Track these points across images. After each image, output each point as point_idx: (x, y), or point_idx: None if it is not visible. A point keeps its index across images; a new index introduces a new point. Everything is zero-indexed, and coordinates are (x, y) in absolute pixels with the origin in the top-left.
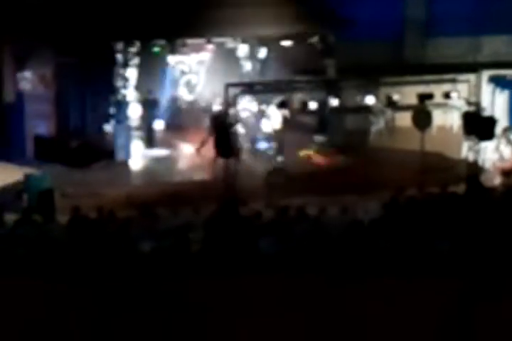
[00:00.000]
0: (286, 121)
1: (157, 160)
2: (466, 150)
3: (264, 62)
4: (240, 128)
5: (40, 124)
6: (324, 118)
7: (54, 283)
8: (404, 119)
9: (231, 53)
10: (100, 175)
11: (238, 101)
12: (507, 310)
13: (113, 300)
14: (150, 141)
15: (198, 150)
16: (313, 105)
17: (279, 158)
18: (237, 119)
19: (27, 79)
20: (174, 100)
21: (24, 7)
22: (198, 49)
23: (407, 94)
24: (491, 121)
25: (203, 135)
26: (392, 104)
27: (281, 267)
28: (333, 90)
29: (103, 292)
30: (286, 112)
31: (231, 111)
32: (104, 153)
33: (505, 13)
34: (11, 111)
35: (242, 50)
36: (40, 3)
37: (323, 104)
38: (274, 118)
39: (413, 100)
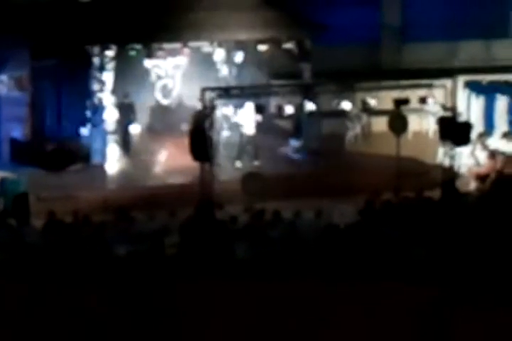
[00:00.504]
0: (261, 125)
1: (133, 164)
2: (441, 155)
3: (240, 67)
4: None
5: (15, 127)
6: (300, 123)
7: (28, 287)
8: (380, 124)
9: (207, 57)
10: (76, 178)
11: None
12: (483, 316)
13: (87, 303)
14: (126, 144)
15: None
16: (289, 109)
17: (255, 162)
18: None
19: (3, 83)
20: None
21: (1, 9)
22: (174, 53)
23: (383, 99)
24: (467, 127)
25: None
26: (367, 109)
27: (256, 271)
28: (309, 95)
29: (78, 296)
30: (259, 117)
31: (211, 114)
32: (80, 157)
33: (481, 18)
34: None
35: (219, 54)
36: (17, 6)
37: (299, 109)
38: (247, 123)
39: (389, 105)
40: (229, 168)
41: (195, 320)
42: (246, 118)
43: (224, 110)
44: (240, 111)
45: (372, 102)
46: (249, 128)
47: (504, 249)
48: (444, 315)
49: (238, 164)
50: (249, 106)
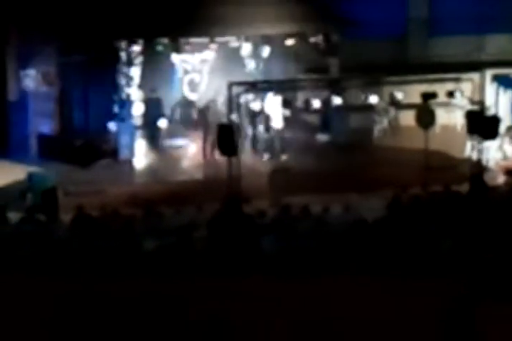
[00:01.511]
0: (288, 119)
1: (161, 159)
2: (469, 149)
3: (267, 61)
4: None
5: (43, 123)
6: (328, 117)
7: (58, 281)
8: (408, 118)
9: (235, 52)
10: (104, 173)
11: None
12: (509, 310)
13: (117, 298)
14: (153, 139)
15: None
16: (316, 104)
17: (283, 157)
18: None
19: (31, 78)
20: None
21: (28, 5)
22: (202, 48)
23: (411, 93)
24: (495, 120)
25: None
26: (395, 103)
27: (284, 266)
28: (337, 89)
29: (107, 290)
30: (287, 111)
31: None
32: (108, 152)
33: (508, 12)
34: (15, 109)
35: (246, 48)
36: (44, 1)
37: (326, 103)
38: (275, 117)
39: (417, 99)
40: (257, 162)
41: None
42: (273, 112)
43: (252, 104)
44: (267, 105)
45: (400, 96)
46: (276, 123)
47: None
48: (470, 307)
49: (266, 157)
50: (277, 100)
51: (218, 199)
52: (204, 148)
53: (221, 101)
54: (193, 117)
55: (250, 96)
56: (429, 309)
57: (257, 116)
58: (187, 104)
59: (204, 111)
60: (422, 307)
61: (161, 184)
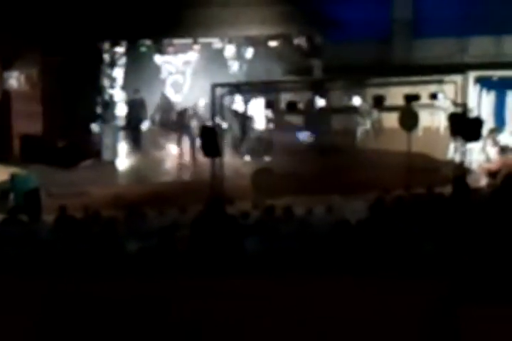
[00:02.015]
0: (271, 121)
1: (144, 160)
2: (452, 151)
3: (251, 63)
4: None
5: (26, 124)
6: (311, 119)
7: (40, 283)
8: (391, 120)
9: (218, 53)
10: (87, 174)
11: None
12: (492, 311)
13: (98, 300)
14: (136, 141)
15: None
16: (300, 105)
17: (266, 158)
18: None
19: (14, 79)
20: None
21: (10, 6)
22: (185, 49)
23: (394, 95)
24: (478, 122)
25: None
26: (378, 105)
27: (267, 267)
28: (320, 90)
29: (89, 292)
30: (269, 113)
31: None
32: (91, 153)
33: (492, 14)
34: None
35: (229, 50)
36: (26, 3)
37: (309, 105)
38: (258, 119)
39: (400, 101)
40: (239, 163)
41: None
42: (256, 113)
43: (234, 106)
44: (250, 106)
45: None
46: (259, 124)
47: None
48: (452, 310)
49: (247, 158)
50: (259, 101)
51: (201, 200)
52: (180, 150)
53: (202, 104)
54: (173, 119)
55: (237, 98)
56: (411, 309)
57: (239, 118)
58: (167, 106)
59: (182, 113)
60: (404, 308)
61: (143, 185)
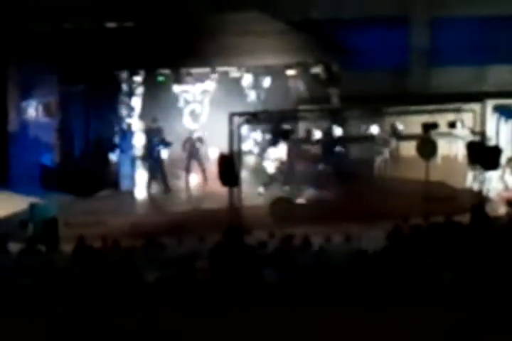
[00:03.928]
0: (289, 150)
1: (162, 189)
2: (470, 179)
3: (268, 91)
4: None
5: (44, 153)
6: (329, 148)
7: (58, 313)
8: (409, 149)
9: (235, 82)
10: (105, 204)
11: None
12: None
13: (118, 329)
14: (155, 170)
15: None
16: (317, 134)
17: (285, 187)
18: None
19: (32, 108)
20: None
21: (29, 36)
22: (203, 78)
23: (412, 124)
24: (496, 151)
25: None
26: (396, 134)
27: (286, 296)
28: (338, 119)
29: (108, 321)
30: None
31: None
32: (109, 182)
33: (509, 43)
34: (16, 140)
35: (247, 79)
36: (45, 32)
37: (327, 133)
38: (280, 148)
39: (418, 129)
40: (256, 194)
41: None
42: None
43: (252, 135)
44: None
45: (401, 127)
46: (281, 153)
47: None
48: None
49: (261, 190)
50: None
51: (220, 229)
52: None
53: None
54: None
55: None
56: (431, 339)
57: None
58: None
59: (187, 141)
60: (424, 338)
61: (162, 215)
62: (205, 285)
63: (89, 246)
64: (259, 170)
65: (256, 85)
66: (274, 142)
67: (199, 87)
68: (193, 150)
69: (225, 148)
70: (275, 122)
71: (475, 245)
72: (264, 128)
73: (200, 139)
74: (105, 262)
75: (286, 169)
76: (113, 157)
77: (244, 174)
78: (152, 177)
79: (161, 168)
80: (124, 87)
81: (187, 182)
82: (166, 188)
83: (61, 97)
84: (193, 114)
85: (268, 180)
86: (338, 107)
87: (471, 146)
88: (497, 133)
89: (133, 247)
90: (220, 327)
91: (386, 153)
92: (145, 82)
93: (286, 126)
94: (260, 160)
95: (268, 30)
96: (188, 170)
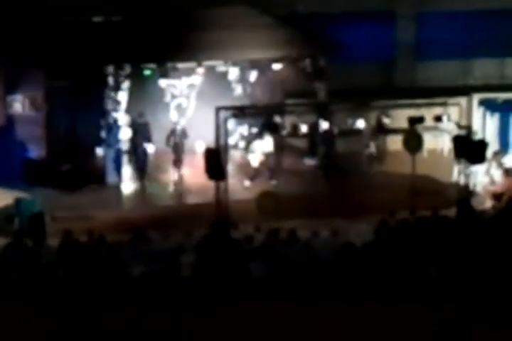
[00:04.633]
0: (275, 144)
1: (148, 183)
2: (456, 173)
3: (255, 86)
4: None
5: (30, 147)
6: (315, 142)
7: (44, 307)
8: (395, 143)
9: (222, 76)
10: (91, 198)
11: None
12: (500, 333)
13: (104, 324)
14: (141, 164)
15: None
16: (304, 128)
17: (271, 181)
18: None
19: (18, 102)
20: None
21: (15, 30)
22: (189, 72)
23: (398, 118)
24: (482, 145)
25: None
26: (382, 128)
27: (272, 291)
28: (324, 113)
29: (94, 315)
30: (272, 137)
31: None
32: (95, 177)
33: (495, 37)
34: (1, 134)
35: (233, 73)
36: (31, 26)
37: (314, 127)
38: (266, 141)
39: (404, 123)
40: (242, 188)
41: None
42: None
43: (239, 129)
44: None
45: (387, 121)
46: (268, 146)
47: None
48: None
49: (247, 183)
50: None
51: (206, 224)
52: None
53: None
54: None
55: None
56: (419, 334)
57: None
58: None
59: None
60: (411, 332)
61: (148, 209)
62: (191, 279)
63: (76, 241)
64: (245, 164)
65: (242, 79)
66: (260, 135)
67: (185, 81)
68: (178, 143)
69: (211, 142)
70: (264, 116)
71: (461, 239)
72: (251, 122)
73: (183, 132)
74: (91, 256)
75: (272, 163)
76: (99, 151)
77: (231, 168)
78: (138, 172)
79: (144, 163)
80: (111, 81)
81: (179, 176)
82: (143, 183)
83: (47, 91)
84: (180, 108)
85: (253, 174)
86: (324, 101)
87: (457, 140)
88: (483, 127)
89: (119, 241)
90: (207, 322)
91: (372, 147)
92: (131, 77)
93: (277, 120)
94: (246, 154)
95: (255, 24)
96: (176, 164)
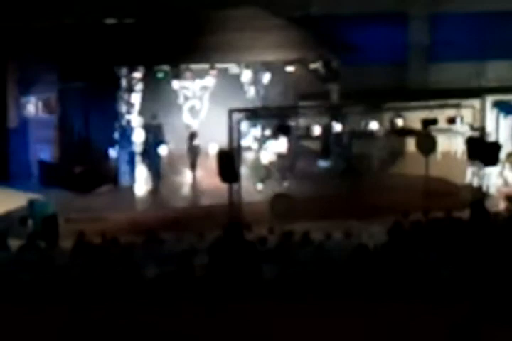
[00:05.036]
0: (289, 146)
1: (161, 185)
2: (470, 175)
3: (268, 88)
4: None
5: (44, 149)
6: (328, 144)
7: (58, 309)
8: (409, 144)
9: (235, 78)
10: (104, 200)
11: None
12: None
13: (117, 325)
14: (154, 166)
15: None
16: (317, 130)
17: (285, 183)
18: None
19: (31, 105)
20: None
21: (29, 32)
22: (202, 74)
23: (411, 120)
24: (496, 147)
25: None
26: (396, 129)
27: (285, 293)
28: (337, 115)
29: (108, 316)
30: (284, 138)
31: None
32: (109, 179)
33: (508, 38)
34: (15, 136)
35: (246, 75)
36: (45, 28)
37: (327, 129)
38: (280, 142)
39: (417, 125)
40: (255, 190)
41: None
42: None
43: (252, 131)
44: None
45: (400, 122)
46: (281, 148)
47: None
48: (473, 334)
49: (259, 186)
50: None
51: (219, 225)
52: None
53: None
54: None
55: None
56: (432, 335)
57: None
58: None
59: (192, 136)
60: (425, 333)
61: (161, 211)
62: (204, 281)
63: (89, 242)
64: (258, 166)
65: (255, 81)
66: (274, 136)
67: (198, 83)
68: (193, 146)
69: (224, 144)
70: (277, 118)
71: (475, 240)
72: (264, 124)
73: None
74: (105, 258)
75: (286, 164)
76: (112, 153)
77: (244, 170)
78: (152, 173)
79: (157, 165)
80: (124, 83)
81: (194, 178)
82: (156, 186)
83: (60, 93)
84: (193, 110)
85: (265, 175)
86: (337, 103)
87: (470, 142)
88: (496, 129)
89: (132, 243)
90: (220, 323)
91: (386, 148)
92: (144, 79)
93: (291, 122)
94: (259, 156)
95: (267, 26)
96: (193, 166)
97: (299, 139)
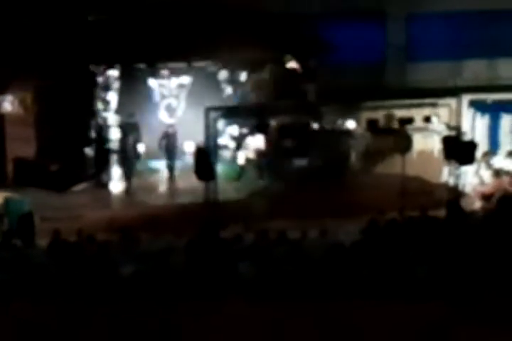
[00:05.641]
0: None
1: (138, 184)
2: (446, 174)
3: (245, 86)
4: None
5: (20, 147)
6: (305, 142)
7: (34, 307)
8: (385, 143)
9: (212, 77)
10: (80, 198)
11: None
12: (487, 333)
13: (94, 323)
14: (131, 164)
15: None
16: (293, 129)
17: (260, 182)
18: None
19: (7, 102)
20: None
21: (3, 30)
22: (179, 72)
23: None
24: (472, 146)
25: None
26: (372, 128)
27: (262, 291)
28: (314, 114)
29: (83, 315)
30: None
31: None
32: (85, 177)
33: (485, 37)
34: None
35: (223, 73)
36: (20, 26)
37: (303, 128)
38: (257, 141)
39: (394, 124)
40: (231, 188)
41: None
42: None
43: (228, 129)
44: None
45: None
46: (260, 146)
47: (509, 268)
48: (448, 333)
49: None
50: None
51: (196, 224)
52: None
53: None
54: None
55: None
56: (405, 334)
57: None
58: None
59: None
60: (398, 332)
61: (137, 209)
62: (181, 279)
63: (65, 241)
64: (234, 165)
65: (232, 80)
66: (251, 134)
67: (175, 81)
68: (169, 146)
69: (201, 142)
70: (254, 116)
71: (450, 239)
72: (241, 123)
73: (174, 134)
74: (81, 256)
75: (263, 163)
76: (89, 151)
77: (220, 168)
78: (128, 172)
79: (132, 163)
80: (100, 81)
81: (171, 177)
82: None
83: (37, 92)
84: (169, 109)
85: (241, 174)
86: (314, 102)
87: (446, 141)
88: (472, 128)
89: (109, 241)
90: (196, 322)
91: (362, 147)
92: (121, 77)
93: (271, 122)
94: (236, 155)
95: (245, 25)
96: (168, 166)
97: (275, 138)
